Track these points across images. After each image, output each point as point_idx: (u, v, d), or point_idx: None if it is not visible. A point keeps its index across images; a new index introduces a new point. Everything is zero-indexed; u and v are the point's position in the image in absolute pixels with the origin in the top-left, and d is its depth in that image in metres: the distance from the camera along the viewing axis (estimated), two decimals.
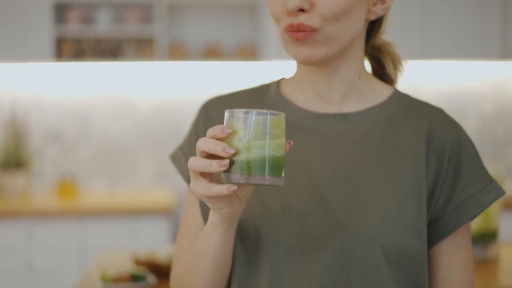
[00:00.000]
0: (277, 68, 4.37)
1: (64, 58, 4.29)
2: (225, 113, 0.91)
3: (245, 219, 1.07)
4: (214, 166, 0.89)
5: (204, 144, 0.90)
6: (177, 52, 4.37)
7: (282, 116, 0.91)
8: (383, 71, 1.20)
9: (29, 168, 4.37)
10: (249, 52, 4.39)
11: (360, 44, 1.12)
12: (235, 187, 0.89)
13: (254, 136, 0.89)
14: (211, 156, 0.91)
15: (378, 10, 1.08)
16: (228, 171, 0.90)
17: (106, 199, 4.31)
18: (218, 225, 1.01)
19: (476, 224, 2.45)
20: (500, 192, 1.10)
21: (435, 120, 1.11)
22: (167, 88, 4.57)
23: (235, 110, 0.90)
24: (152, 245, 3.37)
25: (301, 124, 1.12)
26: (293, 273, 1.04)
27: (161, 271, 2.23)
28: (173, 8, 4.48)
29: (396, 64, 1.19)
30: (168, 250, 2.58)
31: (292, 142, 0.94)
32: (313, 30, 1.02)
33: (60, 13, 4.35)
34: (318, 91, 1.12)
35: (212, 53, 4.40)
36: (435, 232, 1.08)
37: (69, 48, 4.30)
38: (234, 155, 0.89)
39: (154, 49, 4.33)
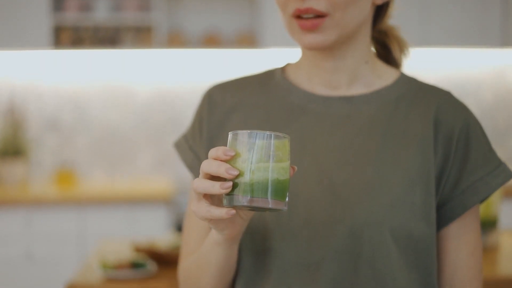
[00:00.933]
0: (276, 55, 4.35)
1: (62, 46, 4.27)
2: (229, 135, 0.90)
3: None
4: (217, 188, 0.87)
5: (207, 166, 0.89)
6: (176, 40, 4.35)
7: (286, 139, 0.89)
8: (389, 55, 1.19)
9: (27, 156, 4.36)
10: (248, 39, 4.38)
11: (367, 29, 1.11)
12: (233, 211, 0.87)
13: (257, 158, 0.87)
14: (214, 178, 0.90)
15: None
16: (230, 193, 0.88)
17: (105, 187, 4.30)
18: (220, 243, 1.00)
19: None
20: (510, 175, 1.09)
21: (442, 102, 1.10)
22: (166, 76, 4.55)
23: (239, 131, 0.88)
24: (151, 234, 3.37)
25: (306, 108, 1.11)
26: (301, 258, 1.03)
27: (161, 258, 2.23)
28: None
29: (402, 48, 1.18)
30: (168, 238, 2.57)
31: (296, 168, 0.92)
32: (322, 16, 1.01)
33: (58, 1, 4.32)
34: (324, 77, 1.11)
35: (211, 41, 4.39)
36: (444, 215, 1.07)
37: (68, 36, 4.28)
38: (237, 177, 0.87)
39: (152, 37, 4.31)
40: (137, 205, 3.96)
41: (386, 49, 1.19)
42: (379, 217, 1.02)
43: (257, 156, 0.87)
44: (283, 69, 1.18)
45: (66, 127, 4.52)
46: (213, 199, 0.93)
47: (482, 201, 1.08)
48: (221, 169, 0.87)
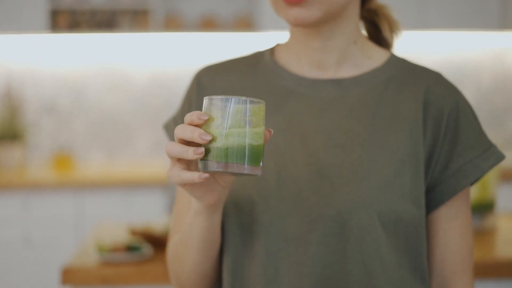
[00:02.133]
0: (273, 39, 4.33)
1: (59, 30, 4.26)
2: (204, 100, 0.89)
3: (239, 188, 1.06)
4: (190, 153, 0.86)
5: (181, 130, 0.88)
6: (172, 23, 4.33)
7: (262, 104, 0.88)
8: (379, 35, 1.17)
9: (25, 140, 4.36)
10: (245, 23, 4.36)
11: (355, 8, 1.09)
12: (206, 175, 0.87)
13: (232, 123, 0.86)
14: (189, 144, 0.89)
15: None
16: (205, 159, 0.87)
17: (102, 171, 4.30)
18: (201, 212, 0.99)
19: (473, 194, 2.44)
20: (500, 157, 1.08)
21: (432, 84, 1.09)
22: (163, 60, 4.54)
23: (214, 96, 0.88)
24: (149, 217, 3.37)
25: (294, 90, 1.10)
26: (289, 242, 1.03)
27: (157, 241, 2.23)
28: None
29: (392, 27, 1.17)
30: (164, 221, 2.58)
31: (272, 131, 0.91)
32: None
33: None
34: (313, 57, 1.10)
35: (208, 24, 4.37)
36: (433, 198, 1.07)
37: (64, 20, 4.27)
38: (211, 142, 0.86)
39: (149, 20, 4.29)
40: (135, 189, 3.97)
41: (377, 29, 1.18)
42: (367, 199, 1.01)
43: (231, 121, 0.86)
44: (272, 50, 1.17)
45: (64, 111, 4.51)
46: (190, 166, 0.92)
47: (472, 183, 1.08)
48: (194, 134, 0.86)
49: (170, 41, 4.53)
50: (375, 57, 1.12)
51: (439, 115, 1.06)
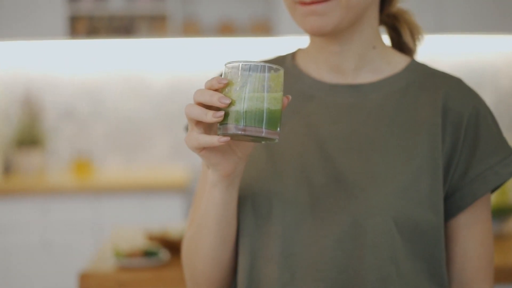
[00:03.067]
0: (291, 43, 4.33)
1: (77, 36, 4.28)
2: (224, 66, 0.90)
3: (257, 190, 1.06)
4: (209, 115, 0.87)
5: (200, 94, 0.89)
6: (190, 28, 4.35)
7: (281, 71, 0.90)
8: (400, 40, 1.16)
9: (44, 146, 4.39)
10: (263, 28, 4.36)
11: (374, 13, 1.09)
12: (226, 138, 0.88)
13: (251, 88, 0.88)
14: (209, 108, 0.90)
15: None
16: (224, 123, 0.89)
17: (120, 176, 4.32)
18: (217, 183, 0.99)
19: (492, 199, 2.41)
20: None
21: (452, 89, 1.07)
22: (181, 65, 4.55)
23: (234, 61, 0.89)
24: (166, 222, 3.37)
25: (313, 95, 1.10)
26: (305, 246, 1.03)
27: (174, 247, 2.23)
28: None
29: (413, 32, 1.15)
30: (181, 226, 2.58)
31: (290, 97, 0.93)
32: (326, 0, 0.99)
33: None
34: (331, 62, 1.10)
35: (226, 29, 4.38)
36: (453, 205, 1.05)
37: (83, 26, 4.30)
38: (230, 106, 0.88)
39: (167, 26, 4.31)
40: (153, 194, 3.98)
41: (398, 34, 1.17)
42: (384, 205, 1.00)
43: (251, 86, 0.88)
44: (293, 55, 1.17)
45: (82, 117, 4.54)
46: (209, 131, 0.93)
47: (492, 190, 1.06)
48: (213, 98, 0.87)
49: (188, 46, 4.55)
50: (395, 62, 1.12)
51: (459, 120, 1.05)
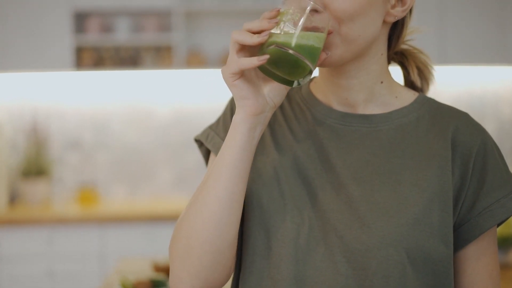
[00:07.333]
0: None
1: (84, 67, 4.33)
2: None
3: (271, 213, 1.06)
4: (255, 37, 0.93)
5: (249, 22, 0.95)
6: (195, 59, 4.39)
7: (327, 14, 0.95)
8: (409, 78, 1.19)
9: (49, 175, 4.41)
10: None
11: (381, 48, 1.10)
12: (265, 56, 0.92)
13: (299, 22, 0.93)
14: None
15: (397, 12, 1.07)
16: (267, 46, 0.93)
17: (125, 205, 4.33)
18: (240, 122, 1.00)
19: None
20: None
21: (460, 124, 1.10)
22: (185, 96, 4.59)
23: None
24: None
25: (325, 121, 1.12)
26: (318, 270, 1.03)
27: None
28: (190, 16, 4.51)
29: (422, 70, 1.18)
30: None
31: (329, 53, 0.99)
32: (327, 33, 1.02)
33: (80, 22, 4.39)
34: (340, 95, 1.12)
35: None
36: (460, 237, 1.07)
37: (89, 57, 4.34)
38: (274, 37, 0.93)
39: (172, 57, 4.35)
40: (157, 223, 3.99)
41: (408, 72, 1.19)
42: (396, 236, 1.01)
43: (299, 20, 0.93)
44: (309, 82, 1.20)
45: (88, 147, 4.57)
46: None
47: (499, 224, 1.08)
48: (263, 22, 0.93)
49: (192, 77, 4.59)
50: (402, 97, 1.14)
51: (467, 154, 1.07)
